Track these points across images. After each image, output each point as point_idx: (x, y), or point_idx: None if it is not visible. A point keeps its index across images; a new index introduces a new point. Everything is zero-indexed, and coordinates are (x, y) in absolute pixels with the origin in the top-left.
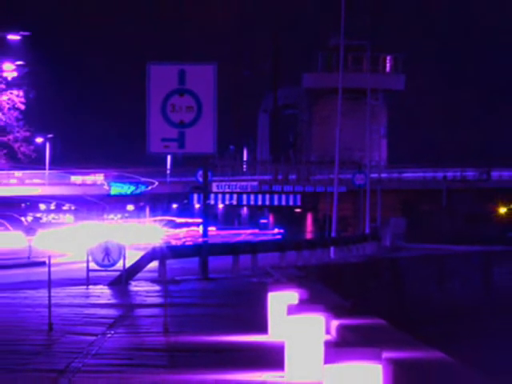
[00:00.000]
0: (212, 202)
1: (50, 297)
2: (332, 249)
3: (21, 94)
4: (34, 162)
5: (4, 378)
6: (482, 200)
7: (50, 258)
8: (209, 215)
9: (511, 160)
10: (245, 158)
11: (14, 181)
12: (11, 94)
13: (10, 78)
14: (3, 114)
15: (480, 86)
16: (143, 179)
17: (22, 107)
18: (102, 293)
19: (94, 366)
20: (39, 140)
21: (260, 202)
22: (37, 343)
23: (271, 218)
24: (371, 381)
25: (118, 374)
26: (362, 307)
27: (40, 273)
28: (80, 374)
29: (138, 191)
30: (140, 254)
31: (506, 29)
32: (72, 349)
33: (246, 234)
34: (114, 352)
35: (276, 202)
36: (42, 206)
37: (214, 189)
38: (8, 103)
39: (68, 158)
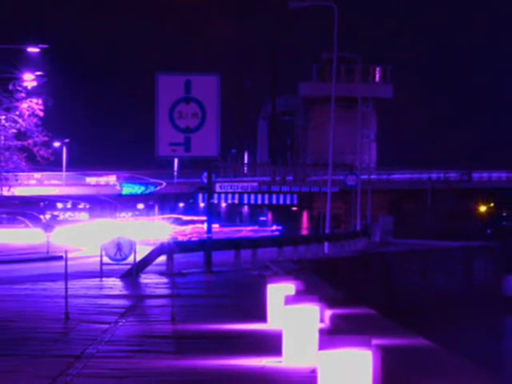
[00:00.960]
0: (215, 201)
1: (66, 288)
2: (326, 244)
3: (40, 101)
4: (51, 164)
5: (26, 362)
6: (464, 199)
7: (66, 252)
8: (212, 213)
9: (490, 162)
10: (245, 161)
11: (33, 182)
12: (31, 101)
13: (29, 87)
14: (23, 120)
15: (463, 94)
16: (152, 180)
17: (41, 114)
18: (115, 285)
19: (107, 351)
20: (57, 144)
21: (260, 201)
22: (55, 331)
23: (270, 215)
24: (362, 365)
25: (129, 359)
26: (354, 298)
27: (57, 266)
28: (94, 359)
29: (148, 191)
30: (149, 249)
31: (482, 42)
32: (87, 336)
33: (246, 231)
34: (125, 339)
35: (274, 201)
36: (60, 205)
37: (218, 189)
38: (28, 110)
39: (83, 161)
